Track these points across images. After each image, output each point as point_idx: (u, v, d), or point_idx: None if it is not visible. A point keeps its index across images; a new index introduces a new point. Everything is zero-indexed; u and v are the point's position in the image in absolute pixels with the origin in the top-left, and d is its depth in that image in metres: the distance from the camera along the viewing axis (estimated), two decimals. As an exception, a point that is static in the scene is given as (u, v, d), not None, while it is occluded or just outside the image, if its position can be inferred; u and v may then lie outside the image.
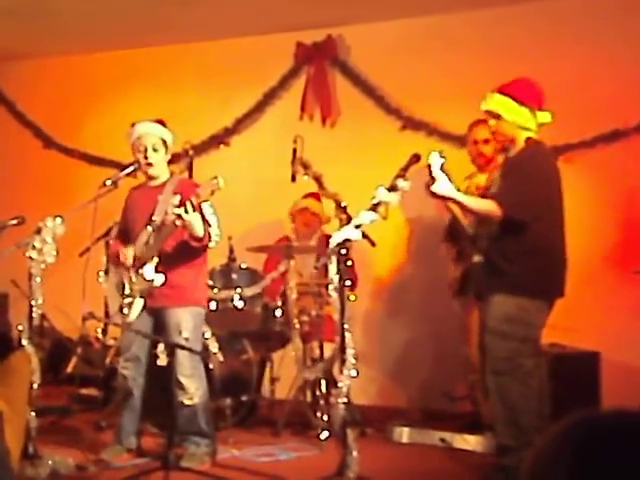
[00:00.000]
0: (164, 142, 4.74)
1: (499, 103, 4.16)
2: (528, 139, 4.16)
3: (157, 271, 4.58)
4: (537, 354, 4.19)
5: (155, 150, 4.70)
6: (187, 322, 4.63)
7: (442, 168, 3.86)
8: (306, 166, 4.64)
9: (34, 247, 4.11)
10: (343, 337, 3.96)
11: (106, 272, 5.52)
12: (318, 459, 4.77)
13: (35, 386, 4.16)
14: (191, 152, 6.04)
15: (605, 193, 5.95)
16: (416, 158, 4.12)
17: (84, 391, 6.09)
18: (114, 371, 5.46)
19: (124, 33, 7.14)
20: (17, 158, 7.89)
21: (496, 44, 6.24)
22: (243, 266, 5.70)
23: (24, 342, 4.19)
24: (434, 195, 3.98)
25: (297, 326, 5.53)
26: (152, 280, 4.57)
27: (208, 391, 4.76)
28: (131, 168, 4.73)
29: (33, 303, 4.21)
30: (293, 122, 6.67)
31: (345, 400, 3.95)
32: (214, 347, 5.35)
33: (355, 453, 3.88)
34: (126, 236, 4.83)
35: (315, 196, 5.87)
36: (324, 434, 5.12)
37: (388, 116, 6.58)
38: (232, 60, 7.12)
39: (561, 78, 5.86)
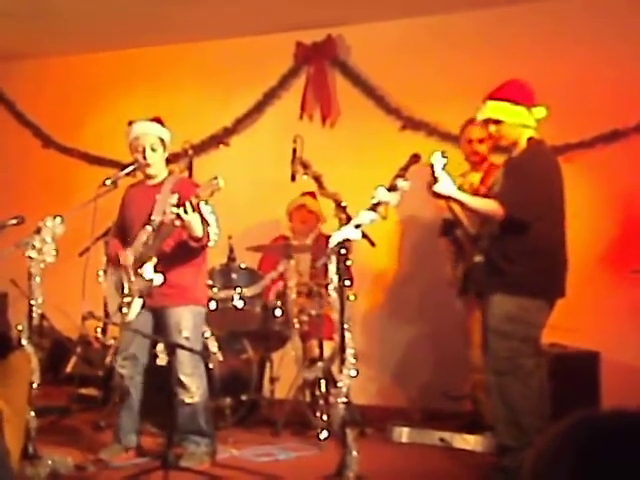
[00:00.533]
0: (162, 141, 4.74)
1: (496, 109, 4.17)
2: (530, 139, 4.17)
3: (156, 271, 4.58)
4: (538, 354, 4.19)
5: (153, 150, 4.70)
6: (187, 321, 4.63)
7: (444, 168, 3.86)
8: (306, 166, 4.65)
9: (34, 247, 4.11)
10: (343, 337, 3.96)
11: (105, 272, 5.52)
12: (318, 459, 4.77)
13: (35, 386, 4.16)
14: (191, 152, 6.04)
15: (604, 193, 5.96)
16: (416, 158, 4.13)
17: (84, 391, 6.08)
18: (113, 371, 5.46)
19: (124, 33, 7.14)
20: (17, 158, 7.89)
21: (496, 44, 6.25)
22: (243, 266, 5.70)
23: (24, 342, 4.19)
24: (436, 195, 3.98)
25: (297, 326, 5.53)
26: (151, 280, 4.57)
27: (208, 390, 4.76)
28: (131, 168, 4.73)
29: (33, 303, 4.20)
30: (293, 122, 6.67)
31: (345, 400, 3.95)
32: (214, 347, 5.35)
33: (355, 453, 3.88)
34: (124, 234, 4.83)
35: (313, 194, 5.88)
36: (324, 434, 5.12)
37: (388, 116, 6.58)
38: (232, 60, 7.12)
39: (561, 78, 5.87)
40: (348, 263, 4.02)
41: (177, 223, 4.35)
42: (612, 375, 5.23)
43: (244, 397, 5.49)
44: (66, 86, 7.77)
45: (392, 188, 3.94)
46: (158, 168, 4.77)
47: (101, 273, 4.84)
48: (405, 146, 5.28)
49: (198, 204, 4.27)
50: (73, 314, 6.15)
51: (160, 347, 4.66)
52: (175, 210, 4.29)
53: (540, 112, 4.17)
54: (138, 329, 4.64)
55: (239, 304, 5.51)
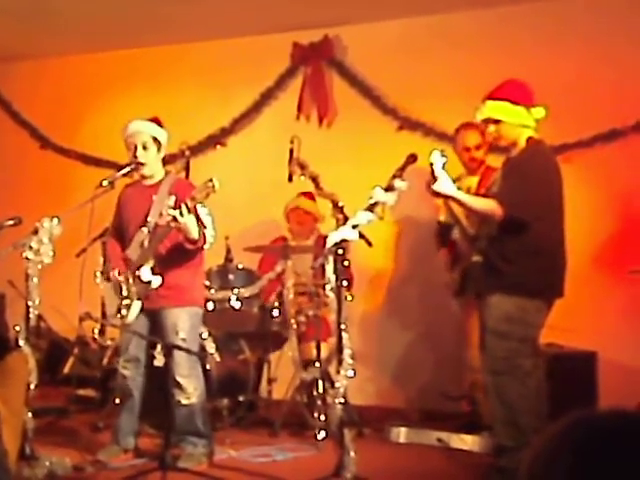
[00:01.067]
0: (156, 140, 4.72)
1: (496, 108, 4.16)
2: (529, 139, 4.16)
3: (154, 273, 4.57)
4: (535, 354, 4.19)
5: (145, 148, 4.68)
6: (184, 322, 4.63)
7: (443, 167, 3.86)
8: (303, 166, 4.64)
9: (31, 248, 4.10)
10: (340, 337, 3.96)
11: (102, 273, 5.51)
12: (315, 459, 4.76)
13: (32, 387, 4.15)
14: (187, 152, 6.03)
15: (603, 193, 5.96)
16: (413, 158, 4.13)
17: (81, 392, 6.08)
18: (111, 372, 5.46)
19: (121, 33, 7.13)
20: (14, 159, 7.88)
21: (494, 43, 6.25)
22: (240, 266, 5.70)
23: (21, 343, 4.18)
24: (436, 194, 3.98)
25: (294, 326, 5.53)
26: (149, 282, 4.56)
27: (205, 391, 4.75)
28: (127, 169, 4.72)
29: (30, 304, 4.20)
30: (290, 122, 6.67)
31: (342, 400, 3.95)
32: (211, 347, 5.35)
33: (352, 453, 3.88)
34: (120, 234, 4.82)
35: (307, 195, 5.89)
36: (321, 434, 5.12)
37: (385, 116, 6.58)
38: (229, 60, 7.12)
39: (560, 77, 5.88)
40: (345, 263, 4.01)
41: (173, 225, 4.34)
42: (609, 375, 5.23)
43: (241, 398, 5.49)
44: (63, 86, 7.77)
45: (389, 188, 3.94)
46: (153, 168, 4.76)
47: (98, 274, 4.83)
48: (402, 146, 5.28)
49: (195, 206, 4.27)
50: (70, 315, 6.15)
51: (157, 348, 4.65)
52: (172, 212, 4.29)
53: (539, 112, 4.17)
54: (136, 331, 4.63)
55: (236, 305, 5.50)
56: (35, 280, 4.16)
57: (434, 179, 3.87)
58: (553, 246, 4.20)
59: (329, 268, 3.98)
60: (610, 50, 5.94)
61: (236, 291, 5.51)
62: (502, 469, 4.07)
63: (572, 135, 5.87)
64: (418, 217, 6.24)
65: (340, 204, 4.30)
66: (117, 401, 4.95)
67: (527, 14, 6.16)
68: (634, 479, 1.08)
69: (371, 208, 3.89)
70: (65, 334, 6.79)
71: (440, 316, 6.11)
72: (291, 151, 4.71)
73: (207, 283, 5.29)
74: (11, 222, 4.56)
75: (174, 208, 4.29)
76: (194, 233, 4.39)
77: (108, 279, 4.69)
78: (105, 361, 5.96)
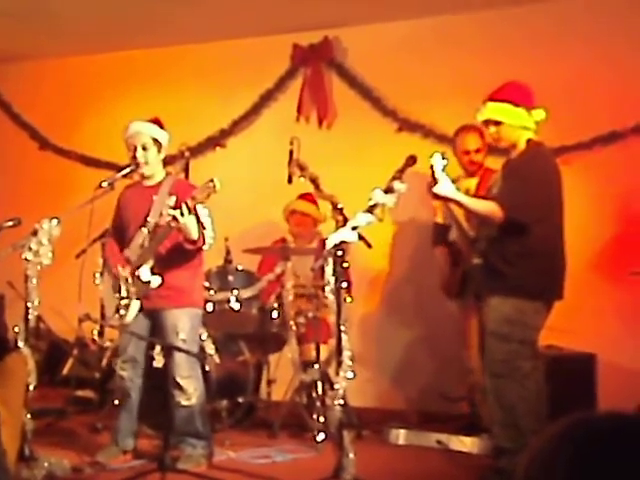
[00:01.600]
0: (156, 141, 4.72)
1: (496, 110, 4.16)
2: (529, 141, 4.17)
3: (153, 273, 4.58)
4: (535, 356, 4.18)
5: (145, 149, 4.68)
6: (184, 323, 4.63)
7: (444, 169, 3.86)
8: (302, 168, 4.64)
9: (30, 249, 4.10)
10: (339, 339, 3.95)
11: (102, 274, 5.51)
12: (314, 461, 4.76)
13: (31, 388, 4.15)
14: (187, 154, 6.03)
15: (602, 195, 5.96)
16: (412, 160, 4.12)
17: (80, 393, 6.08)
18: (110, 373, 5.46)
19: (121, 35, 7.14)
20: (13, 160, 7.88)
21: (493, 45, 6.25)
22: (239, 268, 5.69)
23: (20, 344, 4.17)
24: (436, 197, 3.98)
25: (293, 328, 5.53)
26: (149, 282, 4.57)
27: (205, 393, 4.75)
28: (127, 170, 4.72)
29: (29, 305, 4.19)
30: (289, 124, 6.67)
31: (341, 402, 3.95)
32: (210, 349, 5.34)
33: (351, 455, 3.88)
34: (120, 235, 4.82)
35: (305, 197, 5.89)
36: (320, 436, 5.11)
37: (384, 118, 6.58)
38: (228, 62, 7.12)
39: (560, 79, 5.88)
40: (345, 265, 4.01)
41: (173, 225, 4.34)
42: (608, 377, 5.23)
43: (241, 399, 5.48)
44: (63, 88, 7.77)
45: (388, 190, 3.94)
46: (153, 168, 4.75)
47: (98, 275, 4.83)
48: (401, 148, 5.28)
49: (194, 206, 4.27)
50: (70, 316, 6.13)
51: (157, 349, 4.65)
52: (172, 212, 4.29)
53: (540, 114, 4.17)
54: (135, 331, 4.63)
55: (236, 306, 5.50)
56: (34, 281, 4.16)
57: (435, 182, 3.87)
58: (553, 248, 4.20)
59: (328, 270, 3.98)
60: (610, 52, 5.95)
61: (235, 292, 5.50)
62: (501, 471, 4.07)
63: (571, 137, 5.88)
64: (418, 219, 6.24)
65: (339, 206, 4.30)
66: (115, 402, 4.95)
67: (527, 16, 6.16)
68: (632, 481, 1.08)
69: (370, 210, 3.89)
70: (64, 335, 6.78)
71: (439, 318, 6.11)
72: (291, 152, 4.70)
73: (206, 284, 5.28)
74: (10, 223, 4.56)
75: (174, 208, 4.29)
76: (194, 233, 4.39)
77: (115, 276, 4.68)
78: (104, 362, 5.95)
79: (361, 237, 4.06)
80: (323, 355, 5.43)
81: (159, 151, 4.75)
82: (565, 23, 6.09)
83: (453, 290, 5.43)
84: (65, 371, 6.46)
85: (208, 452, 4.71)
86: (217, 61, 7.19)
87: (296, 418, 5.42)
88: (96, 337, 6.14)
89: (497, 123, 4.18)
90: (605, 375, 5.20)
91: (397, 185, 3.93)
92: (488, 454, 4.54)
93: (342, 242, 3.92)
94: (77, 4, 6.37)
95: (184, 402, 4.60)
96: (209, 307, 5.30)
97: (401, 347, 6.51)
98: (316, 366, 5.39)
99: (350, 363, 3.92)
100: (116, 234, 4.87)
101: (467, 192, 5.13)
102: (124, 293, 4.63)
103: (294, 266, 5.68)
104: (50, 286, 4.45)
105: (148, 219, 4.62)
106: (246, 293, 5.54)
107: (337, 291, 3.98)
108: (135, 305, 4.61)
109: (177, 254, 4.60)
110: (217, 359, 5.36)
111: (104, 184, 4.62)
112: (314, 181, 4.59)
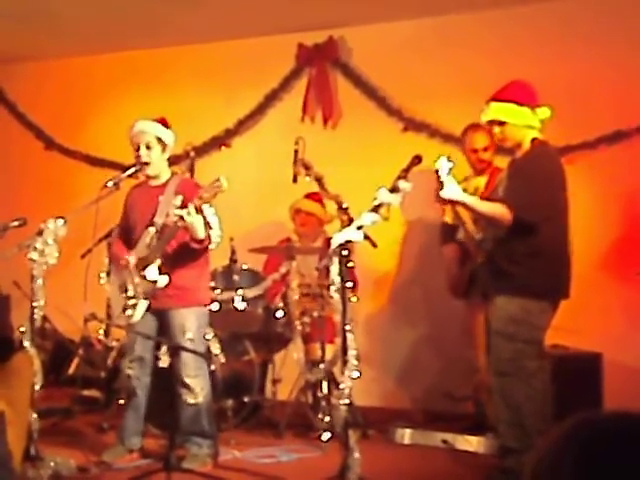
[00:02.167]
0: (160, 140, 4.71)
1: (500, 110, 4.15)
2: (534, 140, 4.16)
3: (160, 272, 4.58)
4: (541, 356, 4.18)
5: (149, 148, 4.68)
6: (191, 323, 4.63)
7: (449, 172, 3.85)
8: (307, 167, 4.64)
9: (36, 249, 4.10)
10: (345, 338, 3.95)
11: (108, 273, 5.52)
12: (320, 460, 4.76)
13: (37, 388, 4.15)
14: (192, 153, 6.04)
15: (607, 194, 5.95)
16: (418, 159, 4.12)
17: (86, 392, 6.08)
18: (116, 372, 5.46)
19: (125, 35, 7.14)
20: (19, 160, 7.90)
21: (498, 45, 6.25)
22: (245, 267, 5.69)
23: (26, 344, 4.18)
24: (443, 200, 3.97)
25: (299, 327, 5.53)
26: (156, 281, 4.57)
27: (210, 392, 4.75)
28: (132, 169, 4.73)
29: (35, 305, 4.20)
30: (294, 123, 6.67)
31: (347, 401, 3.94)
32: (216, 348, 5.35)
33: (357, 454, 3.87)
34: (127, 235, 4.82)
35: (311, 196, 5.88)
36: (326, 435, 5.12)
37: (390, 117, 6.58)
38: (233, 61, 7.12)
39: (565, 79, 5.87)
40: (350, 265, 4.01)
41: (179, 224, 4.35)
42: (614, 376, 5.21)
43: (246, 399, 5.49)
44: (67, 88, 7.78)
45: (394, 189, 3.93)
46: (158, 168, 4.76)
47: (103, 275, 4.83)
48: (407, 147, 5.28)
49: (201, 206, 4.27)
50: (75, 316, 6.15)
51: (162, 349, 4.65)
52: (179, 212, 4.30)
53: (544, 112, 4.16)
54: (141, 331, 4.63)
55: (241, 306, 5.50)
56: (40, 281, 4.17)
57: (441, 185, 3.86)
58: (558, 247, 4.19)
59: (334, 269, 3.98)
60: (615, 51, 5.94)
61: (241, 292, 5.51)
62: (507, 470, 4.06)
63: (576, 136, 5.87)
64: (424, 218, 6.24)
65: (345, 205, 4.29)
66: (121, 401, 4.95)
67: (532, 15, 6.15)
68: (639, 481, 1.08)
69: (376, 209, 3.89)
70: (70, 335, 6.80)
71: (445, 317, 6.10)
72: (296, 152, 4.70)
73: (212, 284, 5.28)
74: (16, 223, 4.57)
75: (181, 207, 4.30)
76: (200, 233, 4.39)
77: (122, 274, 4.67)
78: (110, 362, 5.96)
79: (366, 236, 4.06)
80: (328, 354, 5.42)
81: (163, 151, 4.74)
82: (570, 23, 6.08)
83: (460, 290, 5.42)
84: (71, 371, 6.47)
85: (213, 451, 4.71)
86: (222, 61, 7.19)
87: (301, 417, 5.42)
88: (102, 336, 6.15)
89: (501, 123, 4.17)
90: (611, 374, 5.19)
91: (402, 184, 3.93)
92: (494, 454, 4.53)
93: (347, 241, 3.91)
94: (79, 5, 6.38)
95: (191, 400, 4.60)
96: (215, 307, 5.30)
97: (407, 346, 6.51)
98: (321, 365, 5.39)
99: (355, 362, 3.91)
100: (123, 234, 4.88)
101: (476, 190, 5.13)
102: (131, 292, 4.64)
103: (299, 265, 5.68)
104: (56, 286, 4.45)
105: (155, 219, 4.63)
106: (251, 292, 5.54)
107: (342, 290, 3.97)
108: (143, 305, 4.62)
109: (183, 253, 4.60)
110: (222, 359, 5.36)
111: (109, 184, 4.62)
112: (319, 181, 4.58)
